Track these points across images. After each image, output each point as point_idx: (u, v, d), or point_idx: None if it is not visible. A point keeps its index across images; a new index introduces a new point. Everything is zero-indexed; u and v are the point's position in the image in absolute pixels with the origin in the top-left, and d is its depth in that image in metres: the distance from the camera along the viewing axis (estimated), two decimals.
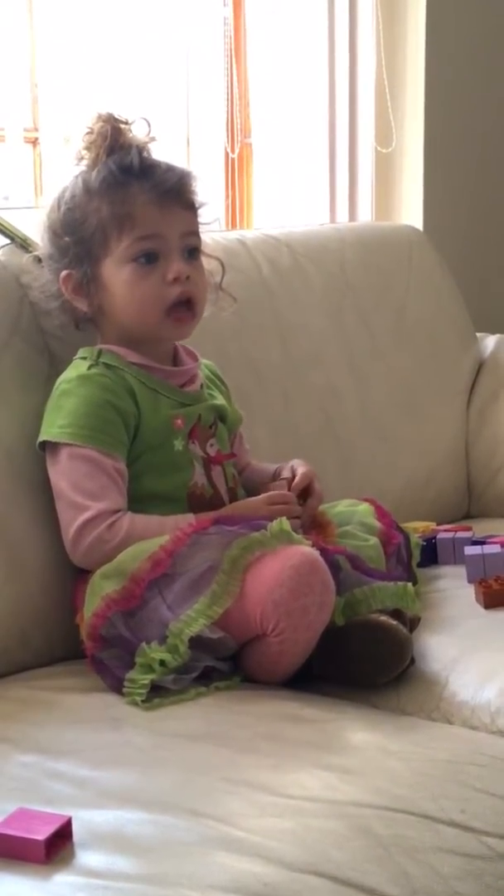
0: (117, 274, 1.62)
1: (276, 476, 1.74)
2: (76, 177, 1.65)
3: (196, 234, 1.66)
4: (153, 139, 1.66)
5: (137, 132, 1.67)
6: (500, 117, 2.85)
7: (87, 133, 1.65)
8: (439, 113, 2.72)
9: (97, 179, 1.62)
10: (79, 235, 1.63)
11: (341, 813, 1.17)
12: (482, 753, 1.33)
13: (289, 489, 1.66)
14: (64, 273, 1.64)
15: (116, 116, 1.66)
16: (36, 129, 2.33)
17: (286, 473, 1.72)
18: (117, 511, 1.57)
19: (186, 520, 1.55)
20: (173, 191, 1.63)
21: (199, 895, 1.04)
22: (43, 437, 1.61)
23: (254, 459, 1.81)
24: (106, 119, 1.65)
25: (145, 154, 1.65)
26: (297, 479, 1.69)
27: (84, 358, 1.64)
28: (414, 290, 2.28)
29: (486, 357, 2.34)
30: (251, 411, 1.87)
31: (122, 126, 1.65)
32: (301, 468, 1.72)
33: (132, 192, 1.61)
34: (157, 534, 1.53)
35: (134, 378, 1.63)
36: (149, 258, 1.62)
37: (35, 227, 1.71)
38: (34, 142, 2.34)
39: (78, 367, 1.63)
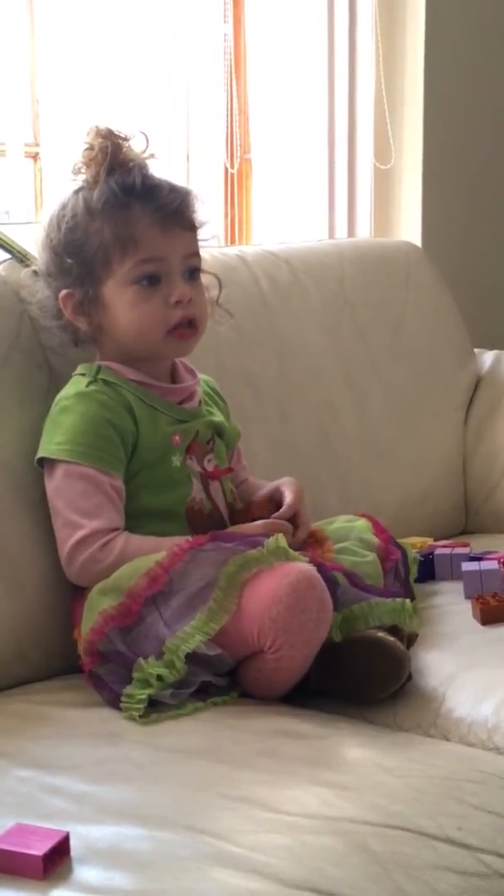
0: (120, 296, 1.62)
1: (270, 499, 1.73)
2: (76, 194, 1.64)
3: (197, 254, 1.66)
4: (153, 156, 1.66)
5: (136, 147, 1.66)
6: (498, 134, 2.87)
7: (87, 149, 1.65)
8: (438, 129, 2.73)
9: (99, 200, 1.61)
10: (80, 256, 1.62)
11: (338, 829, 1.17)
12: (479, 770, 1.33)
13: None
14: (64, 292, 1.64)
15: (116, 132, 1.65)
16: (37, 144, 2.34)
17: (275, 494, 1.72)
18: (113, 530, 1.57)
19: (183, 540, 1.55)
20: (176, 213, 1.63)
21: None
22: (41, 453, 1.61)
23: (251, 476, 1.82)
24: (105, 135, 1.64)
25: (146, 172, 1.65)
26: (282, 509, 1.67)
27: (83, 374, 1.65)
28: (412, 306, 2.29)
29: (484, 373, 2.35)
30: (248, 426, 1.88)
31: (122, 142, 1.65)
32: (289, 495, 1.69)
33: (135, 213, 1.61)
34: (152, 554, 1.53)
35: (132, 395, 1.63)
36: (151, 280, 1.62)
37: (34, 242, 1.71)
38: (35, 157, 2.35)
39: (77, 384, 1.64)
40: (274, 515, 1.66)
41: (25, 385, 1.68)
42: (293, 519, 1.67)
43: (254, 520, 1.64)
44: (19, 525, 1.62)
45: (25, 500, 1.62)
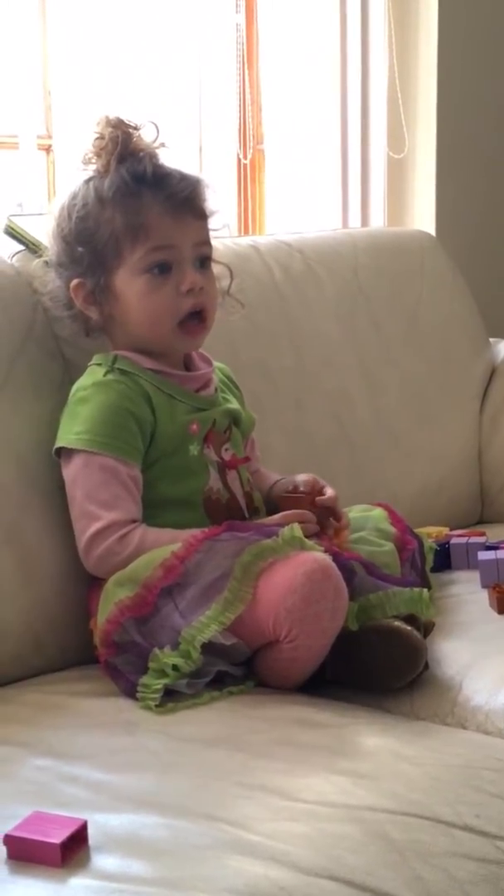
0: (131, 284, 1.62)
1: (295, 491, 1.72)
2: (86, 183, 1.64)
3: (208, 243, 1.66)
4: (163, 145, 1.66)
5: (146, 137, 1.66)
6: None
7: (98, 138, 1.65)
8: (451, 118, 2.72)
9: (110, 189, 1.61)
10: (91, 245, 1.62)
11: (356, 817, 1.17)
12: (497, 758, 1.33)
13: (309, 503, 1.66)
14: (75, 282, 1.64)
15: (126, 122, 1.65)
16: (49, 137, 2.34)
17: (303, 488, 1.71)
18: (130, 521, 1.57)
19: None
20: (187, 201, 1.63)
21: None
22: (59, 443, 1.61)
23: (262, 467, 1.81)
24: (116, 125, 1.64)
25: (156, 161, 1.65)
26: (326, 495, 1.67)
27: (99, 364, 1.65)
28: (426, 296, 2.28)
29: (499, 362, 2.34)
30: (263, 417, 1.87)
31: (133, 132, 1.65)
32: (329, 491, 1.70)
33: (145, 202, 1.61)
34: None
35: (149, 383, 1.63)
36: (162, 269, 1.62)
37: (45, 233, 1.70)
38: (48, 149, 2.35)
39: (94, 374, 1.63)
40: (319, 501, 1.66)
41: (40, 376, 1.68)
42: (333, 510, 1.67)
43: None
44: (34, 517, 1.62)
45: (41, 492, 1.63)
